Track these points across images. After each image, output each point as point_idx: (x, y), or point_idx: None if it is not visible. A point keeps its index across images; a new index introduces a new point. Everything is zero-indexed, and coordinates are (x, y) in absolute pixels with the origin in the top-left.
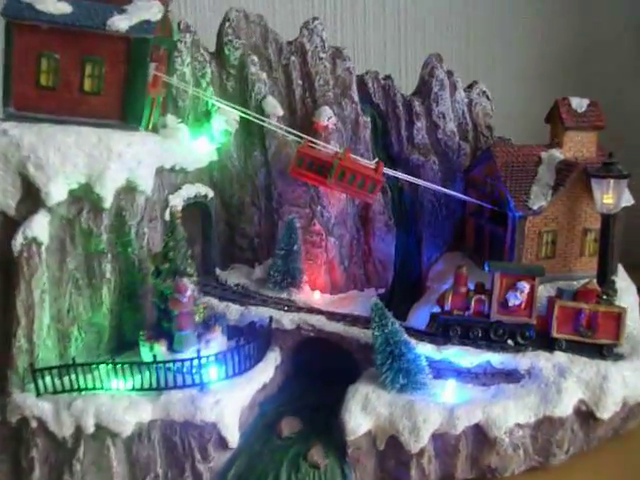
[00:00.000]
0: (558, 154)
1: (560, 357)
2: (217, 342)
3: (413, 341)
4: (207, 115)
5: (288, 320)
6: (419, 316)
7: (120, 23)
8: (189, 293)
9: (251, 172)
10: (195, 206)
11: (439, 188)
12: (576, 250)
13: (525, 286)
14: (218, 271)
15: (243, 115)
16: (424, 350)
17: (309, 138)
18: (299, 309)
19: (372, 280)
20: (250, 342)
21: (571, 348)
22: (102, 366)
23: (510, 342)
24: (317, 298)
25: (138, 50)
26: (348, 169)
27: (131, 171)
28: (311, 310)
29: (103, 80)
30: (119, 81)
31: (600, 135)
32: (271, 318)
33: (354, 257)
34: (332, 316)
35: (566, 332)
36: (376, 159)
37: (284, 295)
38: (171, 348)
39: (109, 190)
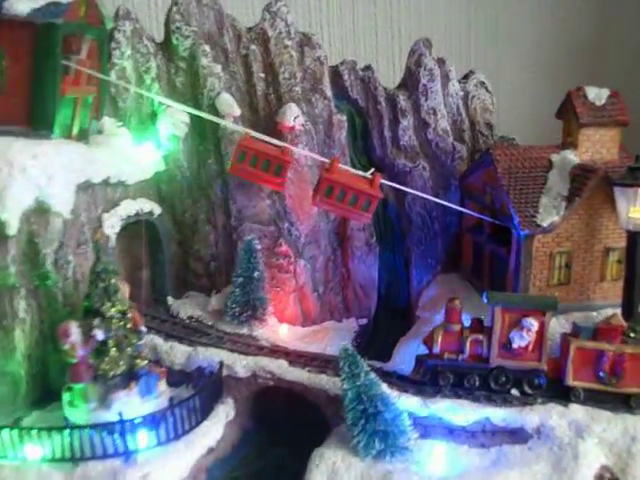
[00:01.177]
0: (572, 157)
1: (577, 412)
2: (129, 403)
3: (394, 393)
4: (153, 117)
5: (242, 366)
6: (406, 353)
7: (20, 5)
8: (72, 339)
9: (205, 184)
10: (141, 225)
11: (431, 198)
12: (595, 274)
13: (533, 323)
14: (170, 300)
15: (195, 115)
16: (408, 404)
17: (249, 131)
18: (260, 349)
19: (352, 309)
20: (191, 397)
21: (591, 399)
22: (4, 431)
23: (515, 392)
24: (284, 333)
25: (45, 39)
26: (337, 184)
27: (40, 189)
28: (274, 350)
29: (3, 77)
30: (24, 78)
31: (623, 133)
32: (221, 364)
33: (330, 282)
34: (298, 359)
35: (584, 379)
36: (372, 169)
37: (244, 330)
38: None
39: (13, 213)
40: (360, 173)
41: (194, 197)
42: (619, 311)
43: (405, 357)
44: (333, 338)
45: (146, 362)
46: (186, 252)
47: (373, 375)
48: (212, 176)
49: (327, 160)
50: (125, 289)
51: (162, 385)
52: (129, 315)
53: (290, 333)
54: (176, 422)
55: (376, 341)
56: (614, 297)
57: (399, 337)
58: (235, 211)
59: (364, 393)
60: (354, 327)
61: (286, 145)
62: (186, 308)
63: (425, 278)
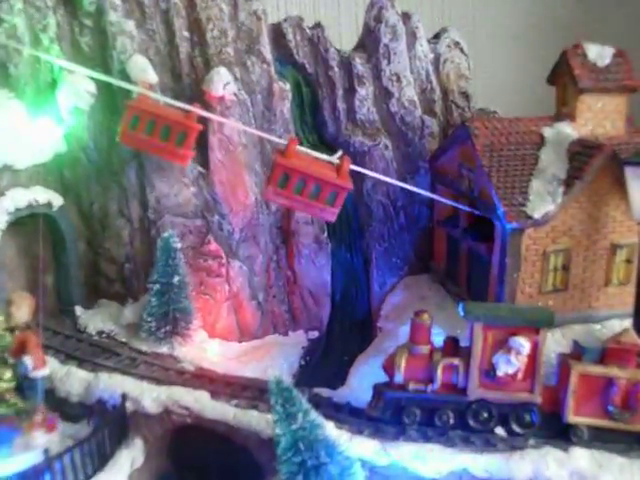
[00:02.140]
0: (569, 130)
1: (580, 458)
2: None
3: (344, 436)
4: (52, 86)
5: (151, 399)
6: (366, 375)
7: None
8: None
9: (116, 168)
10: (37, 219)
11: (395, 183)
12: (599, 278)
13: (523, 344)
14: (79, 311)
15: (104, 83)
16: (362, 451)
17: (146, 92)
18: (180, 374)
19: (300, 319)
20: (74, 446)
21: (598, 440)
22: None
23: (500, 432)
24: (215, 351)
25: None
26: (294, 171)
27: None
28: (198, 376)
29: None
30: None
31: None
32: (124, 397)
33: (272, 288)
34: (224, 388)
35: (590, 415)
36: (338, 153)
37: (164, 349)
38: None
39: None
40: (324, 157)
41: (103, 184)
42: (629, 323)
43: (363, 381)
44: (276, 356)
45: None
46: (96, 252)
47: (314, 415)
48: (125, 158)
49: (270, 137)
50: (23, 302)
51: (37, 437)
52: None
53: (223, 351)
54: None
55: (329, 359)
56: (621, 305)
57: (357, 354)
58: (153, 201)
59: (302, 440)
60: (302, 342)
61: (192, 108)
62: (96, 321)
63: (389, 281)
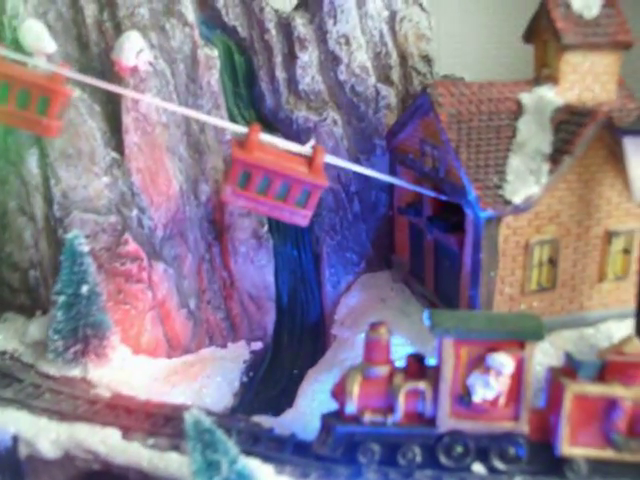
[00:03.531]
0: (552, 96)
1: None
2: None
3: None
4: None
5: (49, 441)
6: (317, 395)
7: None
8: None
9: (14, 157)
10: None
11: (347, 165)
12: (592, 272)
13: (504, 363)
14: None
15: None
16: None
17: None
18: (92, 403)
19: (240, 329)
20: None
21: (598, 474)
22: None
23: (479, 470)
24: (138, 372)
25: None
26: (257, 167)
27: None
28: (113, 406)
29: None
30: None
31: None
32: (15, 439)
33: (205, 293)
34: (141, 423)
35: (588, 444)
36: (311, 142)
37: (76, 373)
38: None
39: None
40: (293, 147)
41: (0, 176)
42: (628, 325)
43: (314, 402)
44: (213, 374)
45: None
46: None
47: (242, 464)
48: (24, 144)
49: (197, 115)
50: None
51: None
52: None
53: (148, 370)
54: None
55: (276, 374)
56: (618, 304)
57: (309, 367)
58: (59, 195)
59: None
60: (244, 355)
61: (56, 69)
62: None
63: (343, 280)
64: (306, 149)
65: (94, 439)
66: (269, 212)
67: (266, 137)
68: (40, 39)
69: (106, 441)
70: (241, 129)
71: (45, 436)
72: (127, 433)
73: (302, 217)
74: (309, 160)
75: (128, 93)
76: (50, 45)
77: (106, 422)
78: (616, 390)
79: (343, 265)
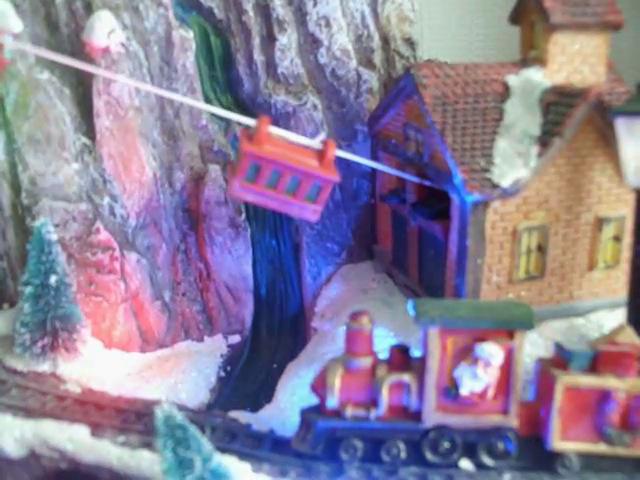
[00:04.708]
0: (540, 77)
1: None
2: None
3: None
4: None
5: (13, 439)
6: (297, 389)
7: None
8: None
9: None
10: None
11: None
12: (582, 260)
13: (493, 353)
14: None
15: None
16: None
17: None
18: (61, 399)
19: (217, 322)
20: None
21: (590, 469)
22: None
23: (466, 466)
24: (110, 367)
25: None
26: (267, 161)
27: None
28: (83, 402)
29: None
30: None
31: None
32: None
33: (181, 284)
34: (111, 419)
35: (580, 438)
36: (321, 135)
37: (45, 367)
38: None
39: None
40: (303, 141)
41: None
42: (619, 314)
43: (294, 396)
44: (189, 368)
45: None
46: None
47: (216, 461)
48: None
49: (172, 95)
50: None
51: None
52: None
53: (121, 365)
54: None
55: (254, 368)
56: (608, 293)
57: (288, 361)
58: (27, 182)
59: None
60: (221, 348)
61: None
62: None
63: (324, 271)
64: (316, 142)
65: (61, 437)
66: (278, 206)
67: (275, 130)
68: (5, 17)
69: (74, 438)
70: (247, 120)
71: (9, 434)
72: (96, 430)
73: (312, 212)
74: (319, 154)
75: (102, 72)
76: (17, 24)
77: (74, 419)
78: (609, 381)
79: (323, 255)
